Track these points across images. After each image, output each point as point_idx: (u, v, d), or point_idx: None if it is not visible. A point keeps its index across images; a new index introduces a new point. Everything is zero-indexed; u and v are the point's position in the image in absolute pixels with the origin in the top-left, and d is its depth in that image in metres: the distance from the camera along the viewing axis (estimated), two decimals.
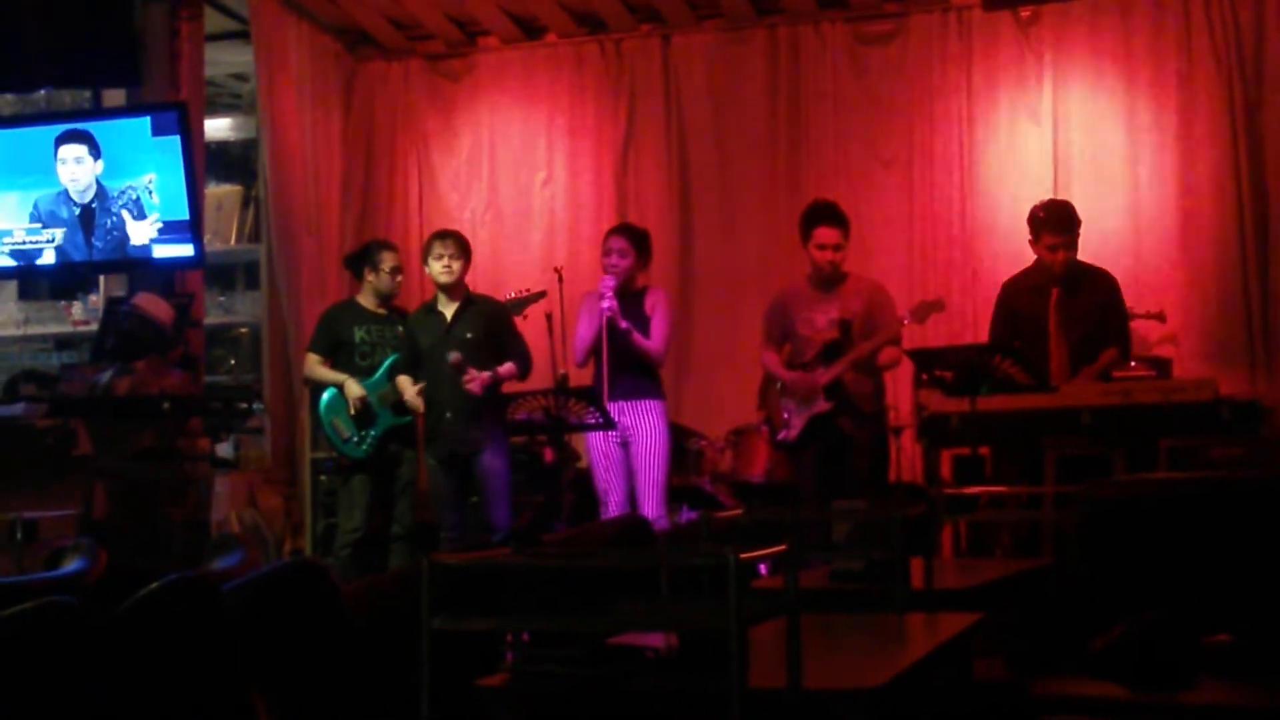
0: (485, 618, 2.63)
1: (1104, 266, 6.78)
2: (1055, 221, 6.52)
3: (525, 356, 6.62)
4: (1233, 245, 7.38)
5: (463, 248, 6.69)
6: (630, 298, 6.59)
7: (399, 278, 7.09)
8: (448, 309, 6.63)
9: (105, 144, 7.00)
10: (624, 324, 6.44)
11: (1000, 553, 6.21)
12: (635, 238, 6.68)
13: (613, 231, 6.84)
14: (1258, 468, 5.89)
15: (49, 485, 6.35)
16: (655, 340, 6.56)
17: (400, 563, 6.69)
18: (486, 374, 6.41)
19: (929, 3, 7.98)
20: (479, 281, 7.28)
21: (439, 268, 6.59)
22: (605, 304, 6.42)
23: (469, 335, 6.51)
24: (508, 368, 6.52)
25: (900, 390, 7.02)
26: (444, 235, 6.81)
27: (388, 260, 7.05)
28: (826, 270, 6.54)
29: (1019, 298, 6.66)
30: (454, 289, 6.64)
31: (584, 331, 6.61)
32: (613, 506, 6.54)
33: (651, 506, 6.44)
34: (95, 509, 6.31)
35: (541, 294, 6.82)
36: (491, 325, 6.61)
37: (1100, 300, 6.55)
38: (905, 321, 6.42)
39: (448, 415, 6.48)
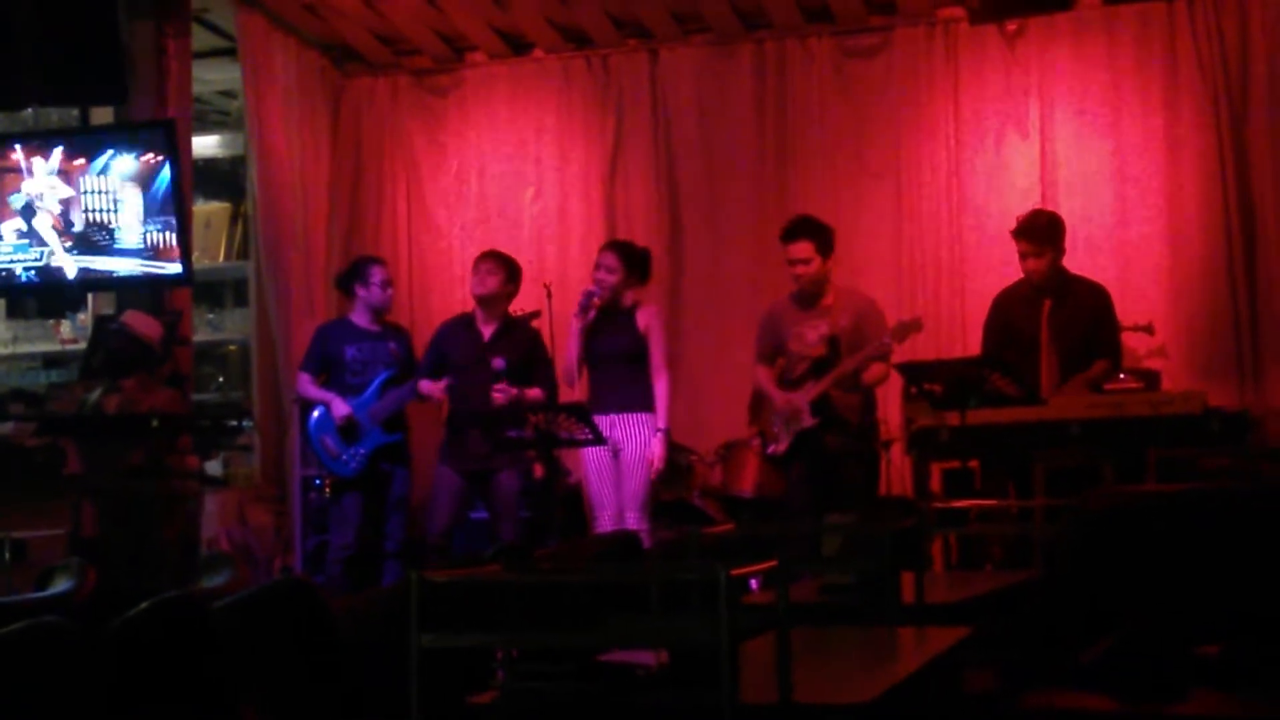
0: (475, 634, 2.63)
1: (1092, 279, 6.81)
2: (1027, 230, 6.62)
3: (553, 386, 6.75)
4: (1220, 257, 7.39)
5: (503, 264, 6.84)
6: (619, 315, 6.61)
7: (389, 290, 7.17)
8: (485, 326, 6.77)
9: (93, 161, 6.99)
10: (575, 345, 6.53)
11: (990, 566, 6.21)
12: (627, 255, 6.69)
13: (605, 247, 6.89)
14: (1246, 479, 5.91)
15: (38, 504, 6.33)
16: (655, 362, 6.58)
17: (391, 580, 6.69)
18: (515, 390, 6.55)
19: (915, 16, 7.98)
20: (466, 298, 7.30)
21: (474, 280, 6.82)
22: (576, 325, 6.56)
23: (508, 360, 6.60)
24: (535, 393, 6.65)
25: (890, 404, 7.02)
26: (486, 254, 6.97)
27: (377, 274, 7.11)
28: (802, 286, 6.58)
29: (1011, 308, 6.69)
30: (491, 305, 6.76)
31: (570, 352, 6.64)
32: (605, 520, 6.54)
33: (634, 517, 6.45)
34: (84, 528, 6.29)
35: (536, 313, 6.83)
36: (527, 350, 6.75)
37: (1091, 312, 6.58)
38: (889, 343, 6.45)
39: (470, 432, 6.65)
